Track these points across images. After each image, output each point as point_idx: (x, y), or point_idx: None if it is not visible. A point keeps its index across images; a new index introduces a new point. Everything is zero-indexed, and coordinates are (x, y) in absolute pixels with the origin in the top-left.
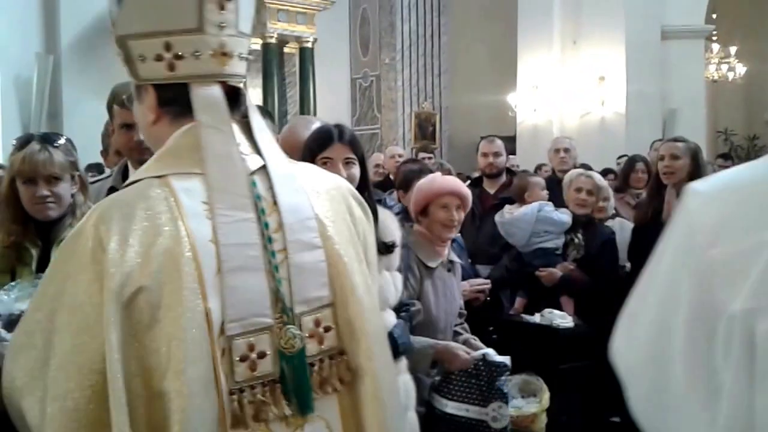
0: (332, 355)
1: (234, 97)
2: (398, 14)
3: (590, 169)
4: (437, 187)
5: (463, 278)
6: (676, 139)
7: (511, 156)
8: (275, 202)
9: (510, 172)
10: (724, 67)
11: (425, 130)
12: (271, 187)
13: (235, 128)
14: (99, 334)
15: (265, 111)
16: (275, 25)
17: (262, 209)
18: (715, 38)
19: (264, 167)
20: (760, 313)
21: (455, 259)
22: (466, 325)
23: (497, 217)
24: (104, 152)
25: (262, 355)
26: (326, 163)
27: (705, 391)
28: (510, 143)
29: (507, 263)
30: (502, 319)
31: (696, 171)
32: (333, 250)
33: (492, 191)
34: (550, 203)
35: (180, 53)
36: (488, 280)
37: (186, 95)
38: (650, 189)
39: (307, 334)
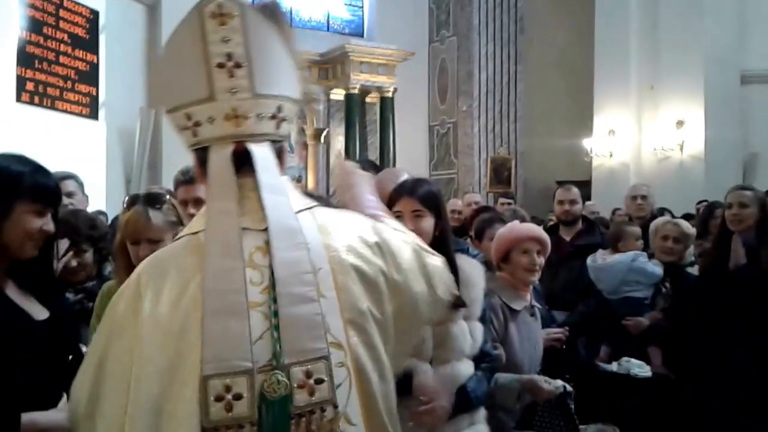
0: (324, 407)
1: (245, 156)
2: (476, 63)
3: (672, 213)
4: (517, 233)
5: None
6: (744, 188)
7: (588, 202)
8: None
9: (585, 219)
10: None
11: (500, 175)
12: (269, 248)
13: (242, 184)
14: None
15: (370, 162)
16: (358, 77)
17: (247, 264)
18: None
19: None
20: None
21: (537, 304)
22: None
23: (589, 261)
24: None
25: (237, 397)
26: (399, 217)
27: None
28: (584, 188)
29: (583, 310)
30: (578, 367)
31: (764, 219)
32: (342, 291)
33: (568, 238)
34: (644, 254)
35: (198, 121)
36: (565, 328)
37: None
38: (717, 236)
39: (296, 385)
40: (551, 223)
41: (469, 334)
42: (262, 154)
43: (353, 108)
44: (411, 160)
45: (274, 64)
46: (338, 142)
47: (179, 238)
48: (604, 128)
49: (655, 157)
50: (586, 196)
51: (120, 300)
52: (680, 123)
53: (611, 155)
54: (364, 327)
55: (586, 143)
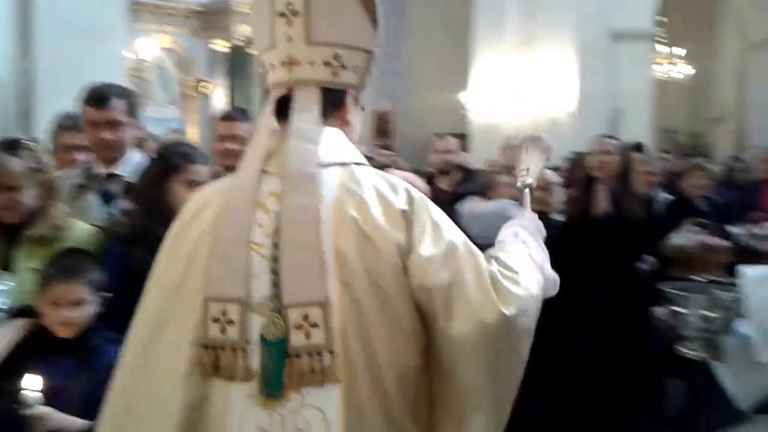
0: (320, 351)
1: (286, 102)
2: None
3: None
4: None
5: None
6: (608, 136)
7: (463, 153)
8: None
9: (464, 168)
10: (670, 67)
11: (383, 129)
12: (282, 190)
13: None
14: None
15: (241, 110)
16: (241, 29)
17: (259, 204)
18: (662, 40)
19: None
20: None
21: None
22: None
23: (458, 208)
24: (54, 150)
25: (230, 322)
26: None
27: None
28: (462, 141)
29: None
30: None
31: (626, 168)
32: (339, 249)
33: (446, 188)
34: (514, 202)
35: (266, 67)
36: None
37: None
38: (582, 184)
39: (293, 326)
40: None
41: None
42: (305, 99)
43: (236, 60)
44: None
45: (336, 12)
46: (222, 96)
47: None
48: (480, 83)
49: (531, 111)
50: (464, 149)
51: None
52: (553, 78)
53: (488, 109)
54: (356, 293)
55: (463, 97)
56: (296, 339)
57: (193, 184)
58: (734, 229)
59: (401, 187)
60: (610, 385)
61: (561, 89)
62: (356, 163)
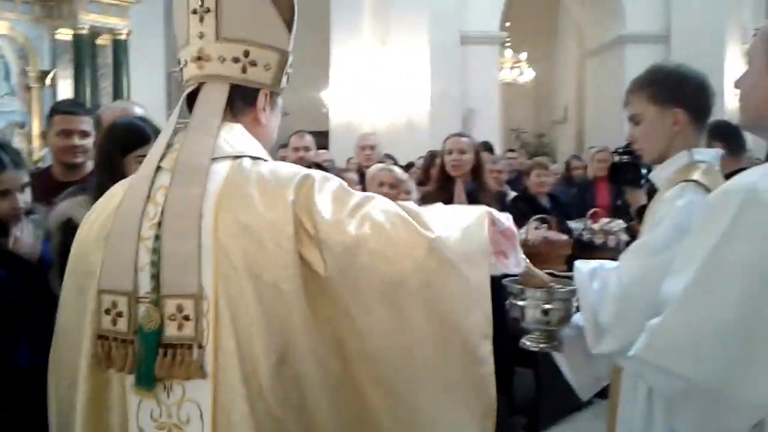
0: (189, 345)
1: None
2: None
3: (394, 161)
4: None
5: None
6: (461, 134)
7: (323, 150)
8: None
9: (319, 166)
10: (516, 71)
11: None
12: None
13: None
14: None
15: (78, 104)
16: (87, 17)
17: (149, 198)
18: (508, 44)
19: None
20: None
21: None
22: None
23: None
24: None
25: (120, 315)
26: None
27: None
28: (323, 139)
29: None
30: None
31: (479, 165)
32: (217, 241)
33: None
34: None
35: (181, 64)
36: None
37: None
38: (438, 181)
39: (168, 317)
40: None
41: None
42: (210, 94)
43: (83, 50)
44: (148, 107)
45: (247, 10)
46: (67, 87)
47: None
48: (340, 81)
49: (387, 110)
50: (324, 147)
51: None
52: (408, 77)
53: (347, 107)
54: (233, 286)
55: (324, 96)
56: (170, 330)
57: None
58: (573, 224)
59: (293, 177)
60: None
61: (415, 89)
62: (251, 157)
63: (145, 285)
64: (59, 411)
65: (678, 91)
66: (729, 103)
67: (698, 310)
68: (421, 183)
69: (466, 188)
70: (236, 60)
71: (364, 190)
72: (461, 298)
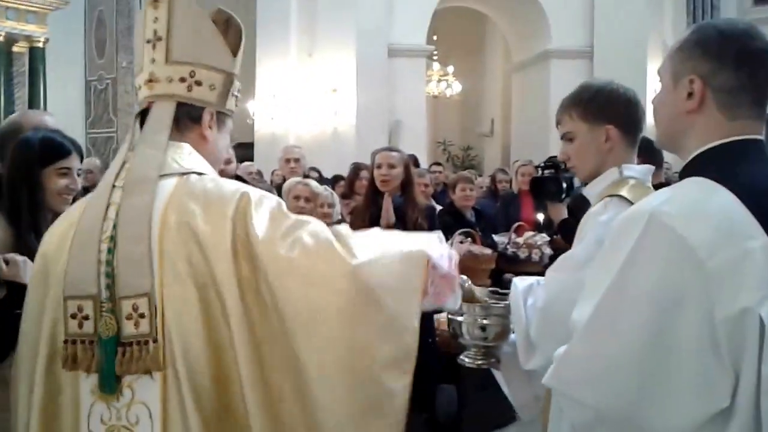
0: (146, 341)
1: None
2: (136, 17)
3: (319, 173)
4: None
5: None
6: (390, 149)
7: (248, 163)
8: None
9: (240, 179)
10: (443, 84)
11: None
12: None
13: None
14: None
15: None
16: (3, 23)
17: (108, 206)
18: (435, 57)
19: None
20: (762, 302)
21: None
22: None
23: None
24: None
25: (86, 318)
26: (66, 174)
27: (711, 376)
28: (248, 150)
29: None
30: None
31: (408, 179)
32: (162, 248)
33: None
34: None
35: (137, 87)
36: None
37: None
38: (367, 196)
39: (125, 317)
40: None
41: None
42: (158, 112)
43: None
44: (65, 116)
45: (194, 36)
46: None
47: None
48: (266, 92)
49: (313, 122)
50: (249, 158)
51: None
52: (335, 90)
53: (272, 119)
54: (175, 289)
55: (250, 106)
56: (127, 329)
57: (67, 174)
58: (498, 238)
59: (234, 194)
60: None
61: (342, 101)
62: (196, 173)
63: (104, 290)
64: (20, 413)
65: (608, 109)
66: (651, 118)
67: (601, 340)
68: (344, 196)
69: (395, 203)
70: (182, 80)
71: None
72: (376, 326)
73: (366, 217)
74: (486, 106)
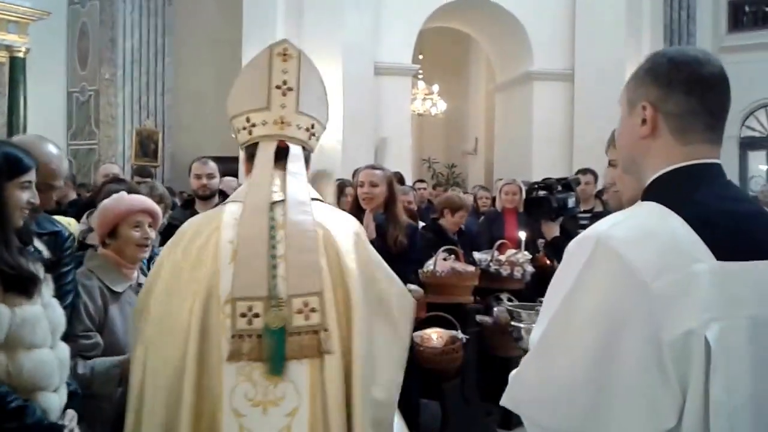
0: (316, 330)
1: (286, 152)
2: (120, 30)
3: None
4: (128, 205)
5: None
6: (373, 167)
7: (230, 178)
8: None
9: (222, 193)
10: (428, 102)
11: (147, 148)
12: (285, 213)
13: (277, 173)
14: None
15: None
16: None
17: (272, 225)
18: (421, 76)
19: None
20: (707, 325)
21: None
22: None
23: None
24: None
25: (256, 315)
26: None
27: (657, 398)
28: (232, 164)
29: None
30: None
31: (391, 197)
32: (337, 257)
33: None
34: None
35: (254, 123)
36: None
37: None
38: (350, 213)
39: (295, 311)
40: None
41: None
42: (295, 151)
43: None
44: (46, 127)
45: (314, 95)
46: None
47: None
48: None
49: None
50: (233, 173)
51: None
52: None
53: None
54: (334, 290)
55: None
56: (297, 321)
57: (29, 188)
58: (481, 255)
59: (346, 217)
60: None
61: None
62: (319, 200)
63: (273, 290)
64: (155, 396)
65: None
66: None
67: (549, 363)
68: None
69: (377, 220)
70: (306, 129)
71: None
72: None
73: None
74: (470, 124)
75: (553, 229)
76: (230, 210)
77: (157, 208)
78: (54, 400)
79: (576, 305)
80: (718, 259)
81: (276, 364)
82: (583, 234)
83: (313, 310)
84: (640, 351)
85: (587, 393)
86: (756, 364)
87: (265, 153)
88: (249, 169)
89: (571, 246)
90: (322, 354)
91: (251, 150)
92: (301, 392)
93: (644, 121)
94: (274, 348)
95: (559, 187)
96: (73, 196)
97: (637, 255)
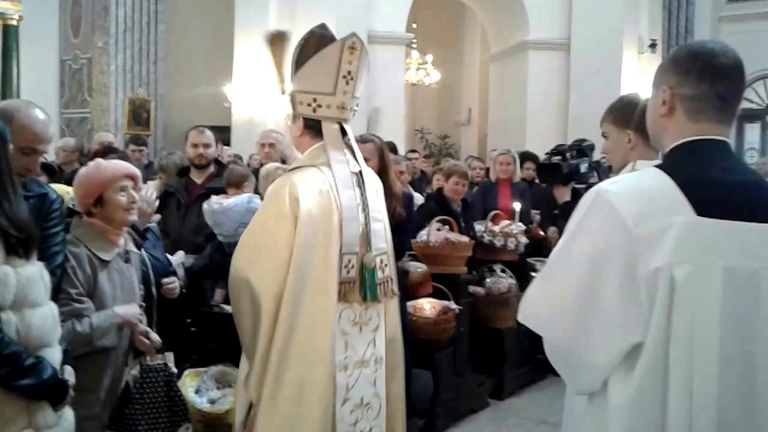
0: (388, 281)
1: (344, 130)
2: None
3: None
4: (112, 171)
5: (157, 270)
6: (364, 140)
7: (225, 147)
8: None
9: (218, 162)
10: (422, 72)
11: (139, 117)
12: (363, 185)
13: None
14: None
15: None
16: None
17: (361, 193)
18: (414, 46)
19: (360, 171)
20: (675, 264)
21: (132, 248)
22: (144, 318)
23: (205, 206)
24: None
25: (352, 267)
26: None
27: (629, 318)
28: (225, 134)
29: (210, 253)
30: (200, 311)
31: (384, 167)
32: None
33: (199, 181)
34: (258, 195)
35: (320, 104)
36: (174, 280)
37: (318, 126)
38: None
39: (378, 265)
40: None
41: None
42: (350, 131)
43: None
44: (39, 95)
45: (364, 79)
46: None
47: (301, 167)
48: (243, 76)
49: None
50: (226, 142)
51: (273, 192)
52: None
53: (250, 102)
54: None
55: (227, 90)
56: (378, 274)
57: None
58: (475, 226)
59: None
60: None
61: None
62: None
63: (364, 246)
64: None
65: (629, 118)
66: None
67: (551, 286)
68: None
69: None
70: (353, 109)
71: (256, 190)
72: None
73: None
74: (464, 95)
75: (564, 194)
76: (318, 177)
77: (138, 171)
78: (56, 356)
79: (574, 242)
80: (698, 215)
81: (373, 293)
82: (591, 189)
83: (385, 264)
84: (620, 281)
85: (578, 310)
86: (726, 306)
87: (334, 132)
88: (304, 136)
89: (582, 198)
90: (392, 294)
91: (311, 123)
92: (381, 315)
93: (664, 103)
94: (369, 281)
95: (574, 152)
96: (76, 166)
97: (626, 206)
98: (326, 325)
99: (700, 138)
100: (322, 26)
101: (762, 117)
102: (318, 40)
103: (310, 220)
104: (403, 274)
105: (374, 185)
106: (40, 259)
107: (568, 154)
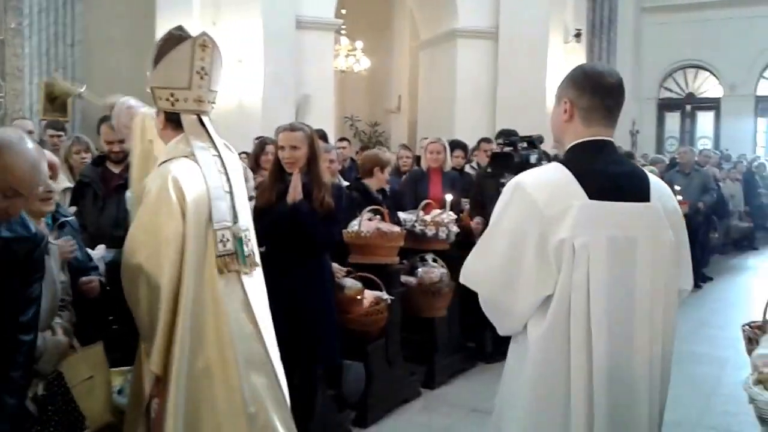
0: (251, 254)
1: (201, 121)
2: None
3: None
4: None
5: (78, 265)
6: (293, 128)
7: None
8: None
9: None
10: (351, 59)
11: (56, 102)
12: (224, 165)
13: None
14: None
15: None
16: None
17: (225, 173)
18: (344, 32)
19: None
20: (574, 237)
21: (53, 241)
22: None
23: (128, 194)
24: None
25: (227, 240)
26: None
27: (542, 277)
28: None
29: None
30: (123, 307)
31: (314, 157)
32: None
33: (117, 171)
34: None
35: (177, 98)
36: (92, 278)
37: (178, 118)
38: (273, 174)
39: (244, 237)
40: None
41: None
42: (208, 121)
43: None
44: None
45: (218, 73)
46: None
47: (172, 159)
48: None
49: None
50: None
51: (159, 188)
52: (240, 61)
53: None
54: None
55: (149, 76)
56: (245, 247)
57: None
58: (406, 216)
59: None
60: (299, 367)
61: (247, 73)
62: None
63: (234, 220)
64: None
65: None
66: (549, 99)
67: (483, 255)
68: (251, 171)
69: (303, 181)
70: (211, 102)
71: None
72: None
73: (273, 193)
74: (393, 82)
75: None
76: (191, 166)
77: (55, 159)
78: None
79: (500, 221)
80: (589, 198)
81: (243, 260)
82: (512, 180)
83: (248, 239)
84: (535, 249)
85: (503, 273)
86: (611, 264)
87: (193, 123)
88: (166, 128)
89: (505, 187)
90: (254, 266)
91: (171, 116)
92: (254, 285)
93: (565, 111)
94: (242, 250)
95: (525, 144)
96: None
97: (538, 193)
98: (220, 298)
99: (592, 139)
100: (179, 28)
101: (682, 106)
102: (175, 40)
103: (197, 209)
104: (338, 289)
105: (235, 167)
106: (13, 310)
107: (519, 146)
